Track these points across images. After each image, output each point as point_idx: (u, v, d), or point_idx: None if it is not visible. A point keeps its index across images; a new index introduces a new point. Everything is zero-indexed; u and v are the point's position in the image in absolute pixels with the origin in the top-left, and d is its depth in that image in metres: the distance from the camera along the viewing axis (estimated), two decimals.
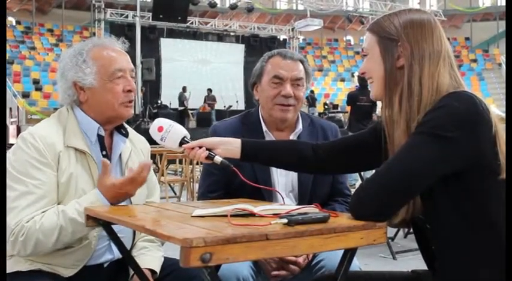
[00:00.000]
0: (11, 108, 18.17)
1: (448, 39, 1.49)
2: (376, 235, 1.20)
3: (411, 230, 1.47)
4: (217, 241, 1.02)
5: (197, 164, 6.05)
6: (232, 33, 24.28)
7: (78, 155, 1.64)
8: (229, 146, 1.55)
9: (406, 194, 1.26)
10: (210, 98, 19.09)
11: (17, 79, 21.81)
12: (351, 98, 8.22)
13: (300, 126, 2.03)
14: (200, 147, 1.53)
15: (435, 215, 1.32)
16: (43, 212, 1.53)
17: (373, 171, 1.32)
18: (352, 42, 32.24)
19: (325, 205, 1.86)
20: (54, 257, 1.58)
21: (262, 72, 2.00)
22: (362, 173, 4.69)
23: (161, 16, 19.36)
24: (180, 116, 16.75)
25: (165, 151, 5.91)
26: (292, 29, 24.83)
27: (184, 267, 1.01)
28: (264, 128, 2.01)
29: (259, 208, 1.30)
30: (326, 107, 20.81)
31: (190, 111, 18.37)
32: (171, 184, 7.35)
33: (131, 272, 1.68)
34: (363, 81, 7.84)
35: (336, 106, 20.52)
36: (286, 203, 1.71)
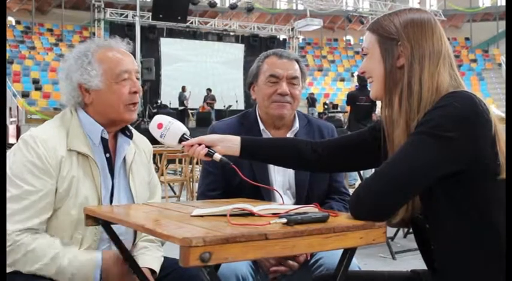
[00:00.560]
0: (10, 108, 18.15)
1: (448, 39, 1.49)
2: (375, 234, 1.20)
3: (411, 230, 1.47)
4: (217, 240, 1.02)
5: (197, 163, 6.05)
6: (232, 33, 24.30)
7: (80, 159, 1.63)
8: (228, 143, 1.55)
9: (406, 194, 1.26)
10: (209, 98, 19.10)
11: (16, 79, 21.80)
12: (351, 98, 8.22)
13: (296, 124, 2.06)
14: (200, 144, 1.53)
15: (435, 215, 1.31)
16: (35, 231, 1.54)
17: (373, 171, 1.32)
18: (352, 42, 32.23)
19: (322, 203, 1.87)
20: None
21: (259, 72, 2.03)
22: (361, 173, 4.70)
23: (161, 16, 19.36)
24: (180, 115, 16.75)
25: (165, 150, 5.91)
26: (292, 29, 24.86)
27: (184, 267, 1.01)
28: (262, 126, 2.03)
29: (258, 207, 1.30)
30: (326, 107, 20.83)
31: (190, 111, 18.37)
32: (171, 184, 7.35)
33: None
34: (362, 81, 7.84)
35: (335, 106, 20.52)
36: (284, 201, 1.72)
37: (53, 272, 1.53)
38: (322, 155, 1.57)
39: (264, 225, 1.12)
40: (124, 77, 1.68)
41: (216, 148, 1.54)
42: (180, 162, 6.77)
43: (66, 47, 23.19)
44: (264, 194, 1.88)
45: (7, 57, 20.66)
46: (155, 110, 15.63)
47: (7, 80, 17.99)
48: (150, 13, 20.00)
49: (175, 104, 18.65)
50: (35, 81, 22.12)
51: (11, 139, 15.27)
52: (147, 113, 15.07)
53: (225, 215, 1.21)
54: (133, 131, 1.82)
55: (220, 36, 23.97)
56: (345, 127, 9.90)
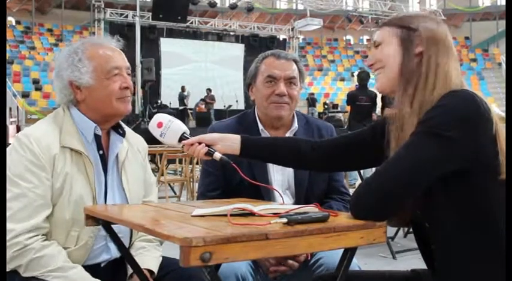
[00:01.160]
0: (10, 108, 18.14)
1: None
2: (375, 234, 1.20)
3: (411, 230, 1.47)
4: (217, 240, 1.02)
5: (197, 163, 6.05)
6: (232, 33, 24.28)
7: (73, 155, 1.63)
8: (228, 142, 1.55)
9: (406, 194, 1.26)
10: (208, 98, 19.09)
11: (16, 79, 21.81)
12: (351, 98, 8.20)
13: (295, 124, 2.06)
14: (200, 143, 1.53)
15: (435, 215, 1.31)
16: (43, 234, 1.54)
17: (373, 170, 1.32)
18: (351, 42, 32.26)
19: (321, 203, 1.87)
20: None
21: (257, 73, 2.03)
22: (362, 172, 4.70)
23: (161, 16, 19.34)
24: (180, 115, 16.75)
25: (165, 150, 5.91)
26: (292, 29, 24.83)
27: (184, 267, 1.01)
28: (260, 127, 2.03)
29: (258, 207, 1.30)
30: (326, 106, 20.83)
31: (190, 111, 18.38)
32: (171, 184, 7.35)
33: (129, 271, 1.68)
34: (362, 80, 7.83)
35: (335, 106, 20.52)
36: (284, 201, 1.71)
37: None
38: (323, 154, 1.57)
39: (264, 225, 1.12)
40: (114, 72, 1.68)
41: (216, 147, 1.53)
42: (180, 162, 6.78)
43: None
44: (264, 193, 1.88)
45: (7, 58, 20.68)
46: (155, 110, 15.61)
47: (7, 80, 18.01)
48: (150, 13, 19.98)
49: (175, 104, 18.64)
50: (35, 82, 22.13)
51: (11, 139, 15.26)
52: (147, 113, 15.05)
53: (225, 215, 1.21)
54: (127, 129, 1.82)
55: (220, 36, 23.95)
56: (345, 127, 9.89)
